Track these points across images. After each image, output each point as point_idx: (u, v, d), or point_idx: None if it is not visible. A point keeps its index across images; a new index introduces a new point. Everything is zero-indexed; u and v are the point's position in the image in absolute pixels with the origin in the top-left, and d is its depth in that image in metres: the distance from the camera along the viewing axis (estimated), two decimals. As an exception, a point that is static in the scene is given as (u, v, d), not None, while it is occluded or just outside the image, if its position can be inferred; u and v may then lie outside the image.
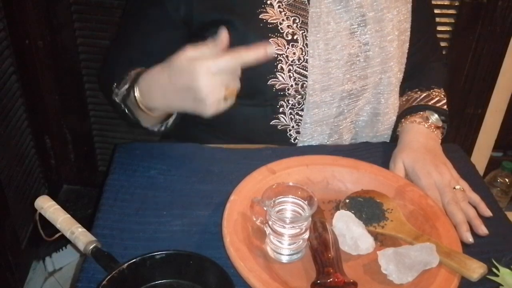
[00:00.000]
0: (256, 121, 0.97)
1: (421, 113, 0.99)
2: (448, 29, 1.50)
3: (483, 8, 1.45)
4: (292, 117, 0.96)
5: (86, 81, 1.55)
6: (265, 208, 0.71)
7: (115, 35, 1.12)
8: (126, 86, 0.85)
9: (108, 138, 1.66)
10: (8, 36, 1.35)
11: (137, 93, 0.83)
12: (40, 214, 0.75)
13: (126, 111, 0.88)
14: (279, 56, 0.90)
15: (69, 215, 0.74)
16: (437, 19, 1.46)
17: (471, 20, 1.48)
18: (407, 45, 0.99)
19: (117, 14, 1.41)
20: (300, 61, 0.91)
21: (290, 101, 0.94)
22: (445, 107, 1.02)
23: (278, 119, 0.96)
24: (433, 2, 1.45)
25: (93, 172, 1.73)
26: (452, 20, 1.48)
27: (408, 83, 1.05)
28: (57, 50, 1.48)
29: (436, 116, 0.98)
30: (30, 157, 1.53)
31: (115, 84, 0.89)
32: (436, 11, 1.46)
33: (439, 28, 1.48)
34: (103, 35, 1.44)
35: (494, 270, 0.66)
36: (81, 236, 0.71)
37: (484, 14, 1.46)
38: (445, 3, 1.46)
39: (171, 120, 0.89)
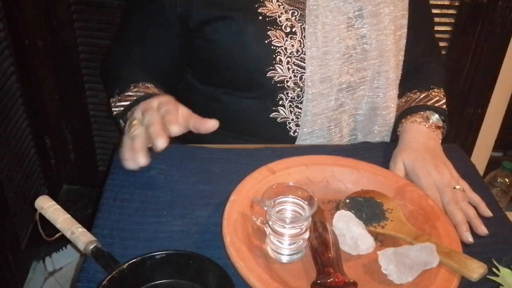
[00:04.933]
0: (255, 113, 0.98)
1: (421, 113, 0.99)
2: (448, 29, 1.50)
3: (483, 8, 1.45)
4: (292, 110, 0.96)
5: (86, 81, 1.55)
6: (265, 208, 0.71)
7: (117, 31, 1.13)
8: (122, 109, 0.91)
9: (108, 138, 1.66)
10: (8, 36, 1.35)
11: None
12: (40, 214, 0.75)
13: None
14: (277, 48, 0.91)
15: (69, 215, 0.74)
16: (437, 19, 1.47)
17: (471, 20, 1.48)
18: (404, 41, 1.00)
19: (117, 14, 1.40)
20: (299, 53, 0.92)
21: (289, 94, 0.95)
22: (444, 106, 1.02)
23: (278, 111, 0.97)
24: (433, 2, 1.46)
25: (93, 172, 1.73)
26: (452, 20, 1.48)
27: (407, 84, 1.05)
28: (57, 50, 1.48)
29: (436, 116, 0.98)
30: (30, 157, 1.53)
31: (116, 97, 0.93)
32: (436, 11, 1.46)
33: (439, 28, 1.48)
34: (103, 35, 1.45)
35: (494, 270, 0.66)
36: (81, 236, 0.71)
37: (484, 14, 1.46)
38: (445, 3, 1.47)
39: None
